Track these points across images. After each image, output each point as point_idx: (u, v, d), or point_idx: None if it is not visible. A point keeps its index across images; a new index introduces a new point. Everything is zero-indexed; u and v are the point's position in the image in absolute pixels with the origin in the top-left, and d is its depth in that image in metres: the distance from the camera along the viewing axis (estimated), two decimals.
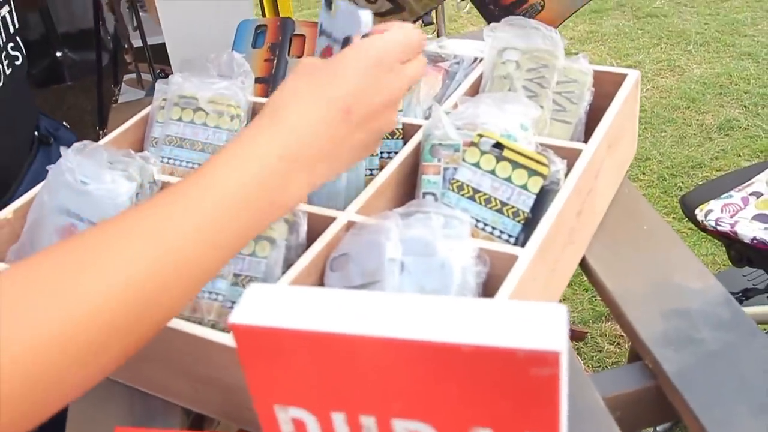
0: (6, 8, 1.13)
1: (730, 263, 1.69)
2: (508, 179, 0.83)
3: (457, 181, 0.85)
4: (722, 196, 1.69)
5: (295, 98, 0.67)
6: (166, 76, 2.16)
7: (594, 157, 0.88)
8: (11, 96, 1.14)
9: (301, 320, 0.39)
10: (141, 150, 1.07)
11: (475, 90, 1.03)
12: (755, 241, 1.55)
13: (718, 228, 1.61)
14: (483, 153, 0.84)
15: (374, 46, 0.69)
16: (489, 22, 1.13)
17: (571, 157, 0.87)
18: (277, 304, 0.41)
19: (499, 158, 0.84)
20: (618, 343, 2.21)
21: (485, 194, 0.84)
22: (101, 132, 2.22)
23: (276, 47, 1.15)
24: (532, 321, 0.36)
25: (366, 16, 0.72)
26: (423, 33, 0.74)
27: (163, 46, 2.43)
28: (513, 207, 0.83)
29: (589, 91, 0.99)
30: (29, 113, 1.28)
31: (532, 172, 0.83)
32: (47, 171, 0.95)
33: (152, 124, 1.07)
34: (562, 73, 0.98)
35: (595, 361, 2.16)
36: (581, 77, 0.98)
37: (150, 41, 2.32)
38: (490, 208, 0.83)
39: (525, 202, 0.83)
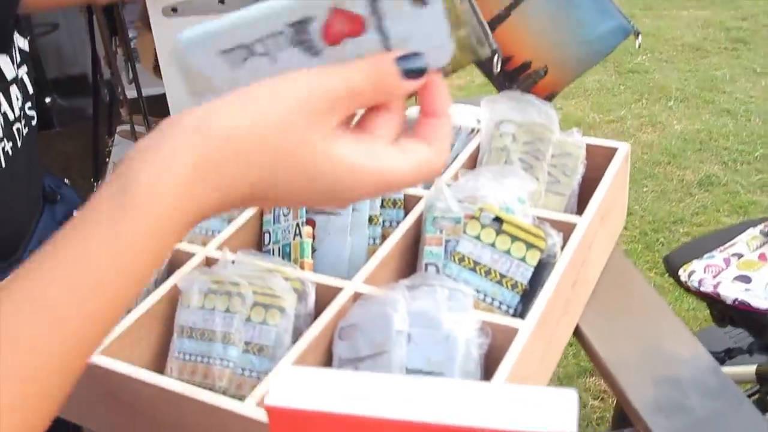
0: (24, 69, 1.16)
1: (711, 319, 1.73)
2: (508, 252, 0.87)
3: (459, 253, 0.89)
4: (705, 256, 1.74)
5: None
6: None
7: (588, 229, 0.92)
8: (26, 156, 1.17)
9: (334, 403, 0.43)
10: None
11: (473, 160, 1.08)
12: (737, 302, 1.59)
13: (701, 289, 1.65)
14: (483, 226, 0.88)
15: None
16: (499, 90, 1.18)
17: (566, 229, 0.91)
18: (310, 387, 0.44)
19: (499, 232, 0.88)
20: (602, 398, 2.24)
21: (485, 266, 0.88)
22: (96, 183, 2.25)
23: None
24: (545, 405, 0.40)
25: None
26: None
27: (157, 98, 2.47)
28: (512, 279, 0.87)
29: (582, 164, 1.04)
30: (38, 171, 1.31)
31: (530, 246, 0.87)
32: (55, 227, 0.98)
33: None
34: (557, 146, 1.03)
35: (580, 417, 2.19)
36: (575, 151, 1.03)
37: (144, 92, 2.37)
38: (490, 279, 0.87)
39: (523, 275, 0.87)
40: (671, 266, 1.76)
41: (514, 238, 0.87)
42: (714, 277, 1.66)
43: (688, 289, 1.70)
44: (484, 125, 1.08)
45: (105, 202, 0.46)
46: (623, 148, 1.06)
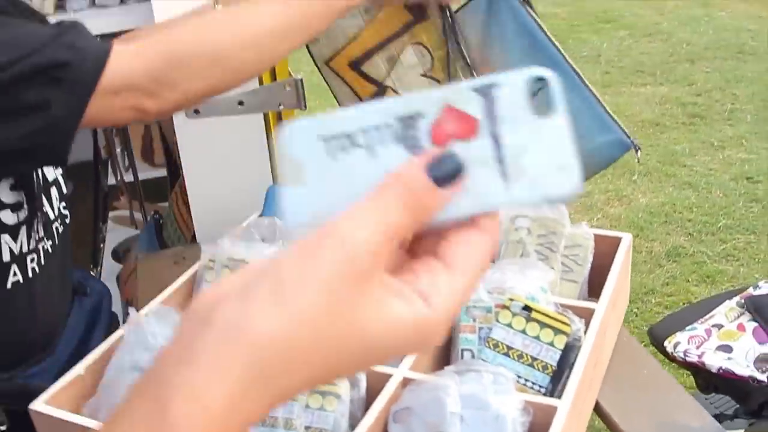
0: (60, 170, 1.25)
1: (695, 387, 1.85)
2: (537, 337, 0.98)
3: (494, 339, 0.99)
4: (687, 328, 1.85)
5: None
6: (161, 217, 2.26)
7: (605, 315, 1.03)
8: (62, 253, 1.25)
9: None
10: None
11: None
12: (722, 371, 1.71)
13: (687, 359, 1.76)
14: (514, 315, 0.99)
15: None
16: None
17: (585, 314, 1.02)
18: None
19: (528, 319, 0.98)
20: None
21: (518, 351, 0.98)
22: (94, 270, 2.31)
23: None
24: None
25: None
26: None
27: (152, 182, 2.56)
28: (542, 361, 0.97)
29: (591, 254, 1.15)
30: (71, 266, 1.39)
31: (557, 331, 0.97)
32: (85, 323, 1.05)
33: (201, 283, 1.20)
34: (569, 238, 1.14)
35: None
36: (584, 242, 1.14)
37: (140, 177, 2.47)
38: (523, 362, 0.97)
39: (552, 357, 0.97)
40: (655, 338, 1.87)
41: (543, 325, 0.98)
42: (698, 347, 1.78)
43: (673, 360, 1.81)
44: (500, 220, 1.18)
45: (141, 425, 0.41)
46: (626, 239, 1.17)
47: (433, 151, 0.43)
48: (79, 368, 1.06)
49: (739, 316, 1.87)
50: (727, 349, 1.76)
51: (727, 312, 1.90)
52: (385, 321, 0.42)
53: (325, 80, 1.28)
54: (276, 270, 0.42)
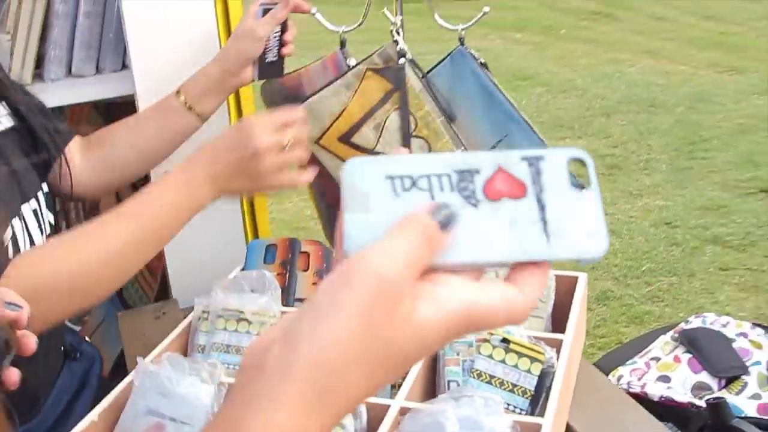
0: (44, 235, 1.29)
1: None
2: (516, 366, 1.10)
3: (477, 369, 1.11)
4: (628, 362, 2.00)
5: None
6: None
7: (572, 344, 1.16)
8: None
9: None
10: (185, 355, 1.28)
11: None
12: (663, 399, 1.85)
13: (631, 390, 1.91)
14: (494, 347, 1.11)
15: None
16: None
17: (554, 344, 1.15)
18: None
19: (507, 350, 1.11)
20: None
21: (499, 378, 1.10)
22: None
23: (287, 263, 1.40)
24: None
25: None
26: None
27: None
28: (522, 387, 1.09)
29: (553, 292, 1.28)
30: (60, 327, 1.45)
31: (533, 359, 1.10)
32: (74, 384, 1.12)
33: (196, 333, 1.29)
34: None
35: None
36: (547, 282, 1.28)
37: None
38: (504, 389, 1.09)
39: (530, 383, 1.09)
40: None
41: (520, 355, 1.10)
42: (639, 379, 1.92)
43: None
44: None
45: None
46: (582, 278, 1.31)
47: (436, 203, 0.50)
48: (93, 415, 1.14)
49: (674, 349, 2.03)
50: (666, 379, 1.91)
51: (662, 346, 2.06)
52: (414, 326, 0.48)
53: (315, 156, 1.38)
54: (312, 303, 0.48)
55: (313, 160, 1.35)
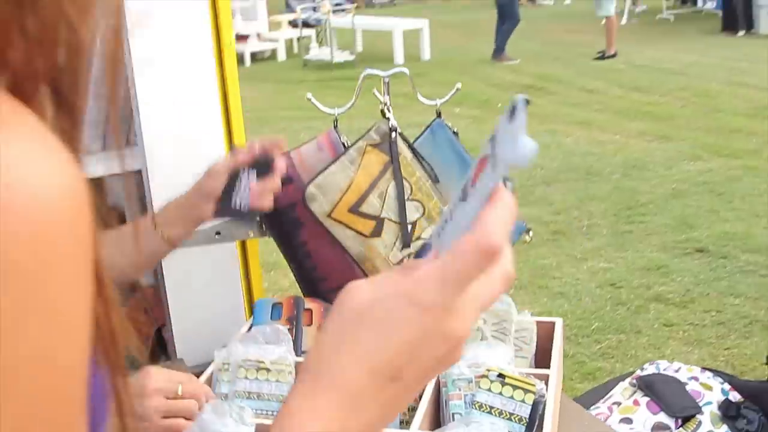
0: None
1: None
2: (511, 397, 1.26)
3: (478, 401, 1.26)
4: (592, 408, 2.18)
5: (336, 364, 0.58)
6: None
7: (557, 378, 1.33)
8: None
9: None
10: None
11: None
12: None
13: None
14: (492, 381, 1.27)
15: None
16: None
17: (542, 379, 1.31)
18: None
19: (503, 384, 1.27)
20: None
21: (498, 408, 1.26)
22: None
23: (292, 319, 1.55)
24: None
25: (528, 147, 0.54)
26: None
27: None
28: (517, 415, 1.25)
29: (534, 335, 1.45)
30: None
31: (526, 391, 1.26)
32: None
33: (216, 383, 1.42)
34: (518, 323, 1.44)
35: None
36: (529, 326, 1.45)
37: None
38: (503, 417, 1.25)
39: (525, 411, 1.25)
40: None
41: (515, 387, 1.26)
42: (604, 421, 2.10)
43: None
44: None
45: None
46: (559, 322, 1.49)
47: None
48: None
49: (633, 394, 2.22)
50: (628, 421, 2.09)
51: (622, 392, 2.24)
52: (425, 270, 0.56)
53: (327, 230, 1.51)
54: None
55: (324, 235, 1.51)
